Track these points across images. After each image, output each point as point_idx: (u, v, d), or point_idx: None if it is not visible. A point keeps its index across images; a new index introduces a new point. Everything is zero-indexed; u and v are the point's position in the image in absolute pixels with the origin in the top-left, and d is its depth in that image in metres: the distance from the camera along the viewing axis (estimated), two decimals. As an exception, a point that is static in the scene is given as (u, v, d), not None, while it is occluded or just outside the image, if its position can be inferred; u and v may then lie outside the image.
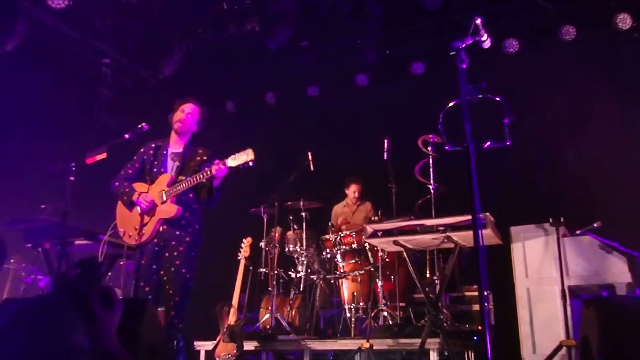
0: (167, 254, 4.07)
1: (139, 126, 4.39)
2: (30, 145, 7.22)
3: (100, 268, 1.83)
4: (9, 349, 1.39)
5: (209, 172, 4.09)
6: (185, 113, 4.43)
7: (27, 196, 6.36)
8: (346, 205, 7.01)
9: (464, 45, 2.80)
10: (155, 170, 4.34)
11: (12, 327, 1.43)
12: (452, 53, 2.77)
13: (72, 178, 4.12)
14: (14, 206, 6.25)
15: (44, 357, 1.39)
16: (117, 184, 4.40)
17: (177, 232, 4.13)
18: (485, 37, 2.94)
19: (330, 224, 6.21)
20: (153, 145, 4.47)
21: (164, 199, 4.15)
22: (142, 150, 4.50)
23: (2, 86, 6.88)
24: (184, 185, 4.14)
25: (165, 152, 4.40)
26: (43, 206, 5.27)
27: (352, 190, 6.90)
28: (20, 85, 7.03)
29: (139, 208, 4.20)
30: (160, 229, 4.13)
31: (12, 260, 6.65)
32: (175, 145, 4.42)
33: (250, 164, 4.11)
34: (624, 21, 6.26)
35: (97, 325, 1.67)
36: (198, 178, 4.12)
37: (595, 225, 4.54)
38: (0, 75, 6.89)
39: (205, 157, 4.39)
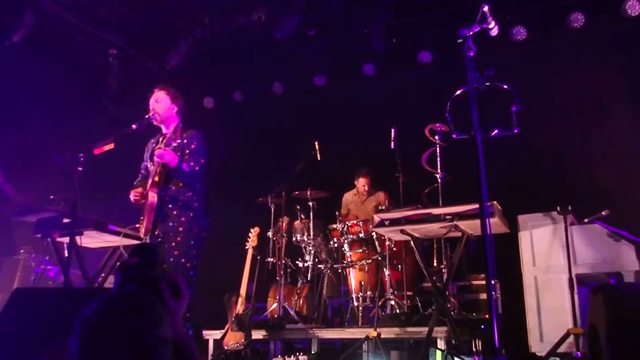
0: (166, 246, 4.10)
1: (146, 116, 4.40)
2: (39, 135, 7.26)
3: (158, 253, 1.82)
4: (100, 339, 1.42)
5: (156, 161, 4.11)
6: (152, 102, 4.42)
7: (37, 187, 6.39)
8: (356, 194, 6.98)
9: (471, 33, 2.78)
10: (149, 165, 4.42)
11: (103, 317, 1.46)
12: (459, 41, 2.75)
13: (80, 169, 4.14)
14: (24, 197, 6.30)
15: (134, 348, 1.42)
16: (135, 184, 4.49)
17: (171, 224, 4.14)
18: (492, 24, 2.91)
19: (337, 213, 6.22)
20: (152, 140, 4.53)
21: (146, 191, 4.19)
22: (145, 148, 4.56)
23: (10, 77, 6.91)
24: (151, 176, 4.16)
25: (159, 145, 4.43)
26: (52, 197, 5.30)
27: (362, 184, 6.83)
28: (28, 76, 7.06)
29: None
30: (157, 221, 4.16)
31: (22, 251, 6.71)
32: (167, 136, 4.44)
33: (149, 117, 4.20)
34: (633, 7, 6.19)
35: (169, 315, 1.70)
36: (155, 168, 4.15)
37: (603, 213, 4.53)
38: (8, 66, 6.92)
39: (185, 141, 4.30)
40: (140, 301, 1.52)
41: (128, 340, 1.42)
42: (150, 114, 4.37)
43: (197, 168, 4.24)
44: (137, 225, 4.41)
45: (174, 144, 4.18)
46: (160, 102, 4.41)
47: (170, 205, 4.17)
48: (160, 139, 4.46)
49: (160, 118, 4.39)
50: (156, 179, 4.17)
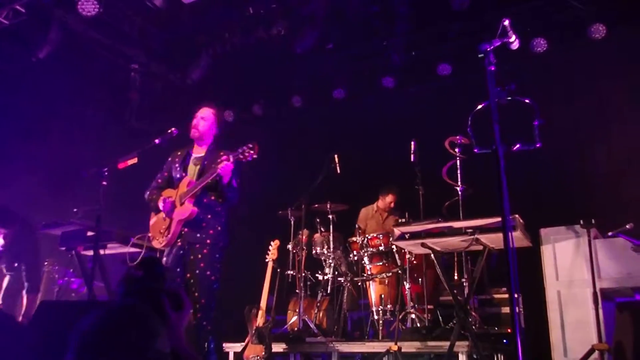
0: (191, 257, 4.13)
1: (169, 131, 4.46)
2: (63, 149, 7.38)
3: (163, 267, 1.85)
4: (97, 352, 1.43)
5: (215, 171, 4.10)
6: (198, 118, 4.49)
7: (61, 200, 6.50)
8: (377, 210, 6.94)
9: (491, 48, 2.78)
10: (178, 176, 4.45)
11: (100, 331, 1.48)
12: (480, 56, 2.75)
13: (104, 183, 4.21)
14: (49, 210, 6.40)
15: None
16: (148, 193, 4.54)
17: (198, 235, 4.18)
18: (513, 38, 2.91)
19: (357, 226, 6.20)
20: (179, 152, 4.59)
21: (182, 201, 4.22)
22: (169, 159, 4.61)
23: (36, 93, 7.06)
24: (196, 186, 4.20)
25: (188, 157, 4.48)
26: (76, 210, 5.39)
27: (389, 201, 6.79)
28: (54, 91, 7.20)
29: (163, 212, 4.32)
30: (183, 231, 4.20)
31: (46, 263, 6.80)
32: (198, 150, 4.50)
33: (255, 156, 4.08)
34: (655, 18, 6.14)
35: (170, 328, 1.70)
36: (207, 178, 4.17)
37: (627, 226, 4.46)
38: (34, 82, 7.08)
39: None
40: (136, 314, 1.52)
41: (124, 353, 1.42)
42: (192, 130, 4.45)
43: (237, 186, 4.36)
44: (149, 235, 4.43)
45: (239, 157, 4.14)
46: (207, 121, 4.50)
47: (200, 217, 4.21)
48: (193, 153, 4.51)
49: (199, 134, 4.47)
50: (198, 191, 4.22)
